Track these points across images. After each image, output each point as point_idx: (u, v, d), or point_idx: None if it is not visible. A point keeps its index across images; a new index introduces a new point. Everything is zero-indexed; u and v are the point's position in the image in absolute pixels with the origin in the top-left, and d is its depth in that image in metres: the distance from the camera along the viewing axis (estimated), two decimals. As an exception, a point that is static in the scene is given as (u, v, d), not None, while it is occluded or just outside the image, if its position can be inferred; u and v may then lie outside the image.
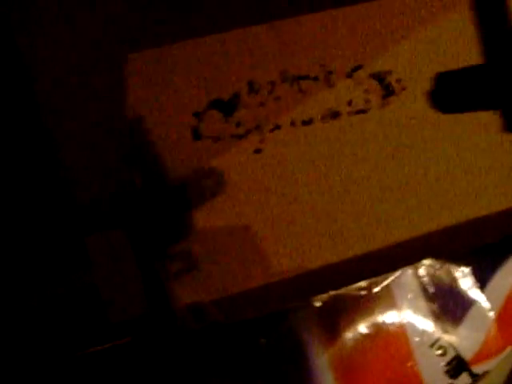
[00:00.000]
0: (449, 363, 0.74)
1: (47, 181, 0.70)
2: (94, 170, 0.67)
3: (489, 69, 0.71)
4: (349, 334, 0.72)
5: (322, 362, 0.71)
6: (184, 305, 0.67)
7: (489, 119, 0.73)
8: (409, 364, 0.73)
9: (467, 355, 0.75)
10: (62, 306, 0.73)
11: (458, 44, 0.72)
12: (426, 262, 0.74)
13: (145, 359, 0.67)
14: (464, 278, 0.75)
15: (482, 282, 0.76)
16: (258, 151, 0.69)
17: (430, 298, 0.74)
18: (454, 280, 0.75)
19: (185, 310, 0.66)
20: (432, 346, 0.74)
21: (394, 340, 0.73)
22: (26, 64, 0.64)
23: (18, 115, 0.64)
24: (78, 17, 0.65)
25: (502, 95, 0.69)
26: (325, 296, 0.71)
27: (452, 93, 0.71)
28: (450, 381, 0.74)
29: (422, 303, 0.74)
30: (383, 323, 0.73)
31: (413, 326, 0.74)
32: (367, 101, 0.72)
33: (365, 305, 0.73)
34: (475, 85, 0.70)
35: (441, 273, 0.75)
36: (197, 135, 0.69)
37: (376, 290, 0.73)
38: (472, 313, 0.75)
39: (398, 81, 0.72)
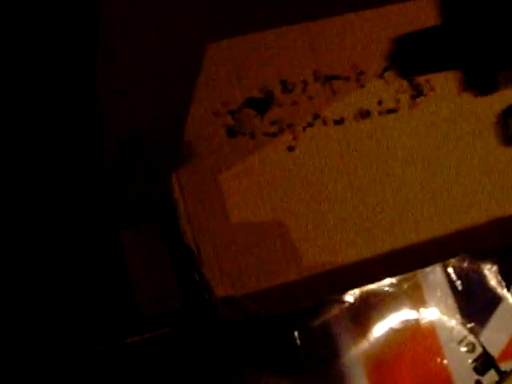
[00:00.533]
0: (476, 360, 0.75)
1: (83, 173, 0.72)
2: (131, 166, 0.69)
3: (448, 28, 0.72)
4: (379, 330, 0.73)
5: (354, 357, 0.72)
6: (219, 298, 0.68)
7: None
8: (438, 360, 0.74)
9: (495, 352, 0.76)
10: (92, 299, 0.74)
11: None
12: (455, 259, 0.75)
13: (182, 351, 0.68)
14: (492, 276, 0.76)
15: (510, 279, 0.77)
16: (291, 149, 0.71)
17: (458, 295, 0.75)
18: (482, 277, 0.76)
19: (220, 303, 0.67)
20: (460, 342, 0.75)
21: (423, 336, 0.74)
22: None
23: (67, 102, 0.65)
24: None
25: (462, 54, 0.70)
26: (356, 292, 0.72)
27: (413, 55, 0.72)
28: (478, 377, 0.75)
29: (451, 300, 0.75)
30: (412, 319, 0.74)
31: (441, 323, 0.75)
32: (397, 100, 0.73)
33: (394, 301, 0.74)
34: (435, 45, 0.71)
35: (469, 270, 0.76)
36: (231, 133, 0.70)
37: (405, 286, 0.74)
38: (499, 310, 0.76)
39: (427, 81, 0.74)
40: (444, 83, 0.74)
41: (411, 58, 0.74)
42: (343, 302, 0.73)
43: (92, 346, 0.71)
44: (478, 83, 0.74)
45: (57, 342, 0.74)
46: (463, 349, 0.75)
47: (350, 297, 0.73)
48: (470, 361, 0.75)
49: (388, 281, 0.74)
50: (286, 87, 0.71)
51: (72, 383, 0.69)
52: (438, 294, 0.75)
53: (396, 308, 0.74)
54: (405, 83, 0.73)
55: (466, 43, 0.71)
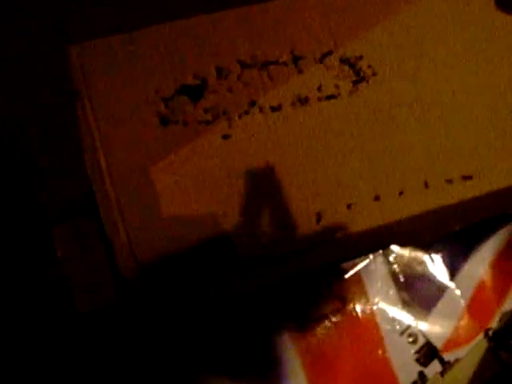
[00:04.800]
0: (419, 351, 0.74)
1: (13, 171, 0.70)
2: (62, 161, 0.67)
3: None
4: (318, 321, 0.72)
5: (290, 349, 0.71)
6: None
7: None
8: (379, 351, 0.73)
9: (438, 343, 0.75)
10: (30, 296, 0.73)
11: (429, 30, 0.72)
12: (396, 249, 0.73)
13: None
14: (435, 266, 0.75)
15: (453, 269, 0.76)
16: (226, 137, 0.69)
17: (400, 285, 0.74)
18: (425, 267, 0.75)
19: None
20: (402, 333, 0.74)
21: (364, 327, 0.73)
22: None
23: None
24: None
25: None
26: (294, 281, 0.71)
27: None
28: (421, 368, 0.74)
29: (392, 290, 0.74)
30: (353, 310, 0.73)
31: (383, 313, 0.73)
32: (337, 86, 0.71)
33: (335, 292, 0.72)
34: None
35: (411, 260, 0.75)
36: (164, 121, 0.68)
37: (346, 276, 0.73)
38: (443, 300, 0.75)
39: (369, 66, 0.71)
40: (386, 68, 0.72)
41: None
42: (281, 293, 0.71)
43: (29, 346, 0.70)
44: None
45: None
46: (405, 340, 0.74)
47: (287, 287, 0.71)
48: (412, 352, 0.74)
49: (326, 272, 0.72)
50: (221, 73, 0.69)
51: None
52: (379, 283, 0.73)
53: (336, 298, 0.73)
54: (346, 68, 0.71)
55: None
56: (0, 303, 0.71)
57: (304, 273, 0.70)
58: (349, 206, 0.71)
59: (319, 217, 0.71)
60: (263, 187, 0.69)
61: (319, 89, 0.71)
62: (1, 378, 0.69)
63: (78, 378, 0.70)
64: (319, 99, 0.71)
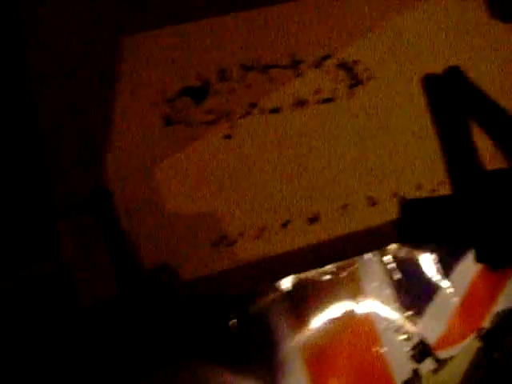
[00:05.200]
0: (413, 348, 0.76)
1: (23, 165, 0.71)
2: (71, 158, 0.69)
3: (457, 200, 0.72)
4: (317, 319, 0.74)
5: (291, 346, 0.72)
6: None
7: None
8: (375, 349, 0.75)
9: (431, 341, 0.76)
10: (32, 290, 0.74)
11: (425, 35, 0.75)
12: (392, 248, 0.75)
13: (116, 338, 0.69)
14: (429, 265, 0.77)
15: (447, 269, 0.78)
16: (227, 137, 0.71)
17: (395, 284, 0.76)
18: (419, 267, 0.77)
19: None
20: (397, 331, 0.76)
21: (360, 325, 0.75)
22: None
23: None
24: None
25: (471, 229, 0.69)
26: (292, 280, 0.73)
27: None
28: (415, 365, 0.75)
29: (388, 289, 0.76)
30: (350, 308, 0.75)
31: (378, 312, 0.75)
32: (335, 90, 0.73)
33: (332, 289, 0.74)
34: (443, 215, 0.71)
35: (406, 260, 0.76)
36: (168, 121, 0.70)
37: (343, 275, 0.74)
38: (436, 299, 0.77)
39: (366, 70, 0.74)
40: (383, 72, 0.74)
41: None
42: (280, 289, 0.73)
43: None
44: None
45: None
46: (400, 337, 0.76)
47: (287, 284, 0.73)
48: (407, 349, 0.76)
49: (325, 268, 0.74)
50: (223, 76, 0.71)
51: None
52: (376, 283, 0.75)
53: (333, 297, 0.75)
54: (343, 72, 0.74)
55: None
56: (3, 298, 0.73)
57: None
58: (344, 207, 0.73)
59: (316, 217, 0.73)
60: (263, 186, 0.71)
61: (317, 92, 0.73)
62: (5, 374, 0.70)
63: (80, 372, 0.71)
64: (317, 102, 0.73)
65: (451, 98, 0.73)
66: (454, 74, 0.71)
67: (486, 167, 0.73)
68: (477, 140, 0.73)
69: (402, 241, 0.73)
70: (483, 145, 0.73)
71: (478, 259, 0.72)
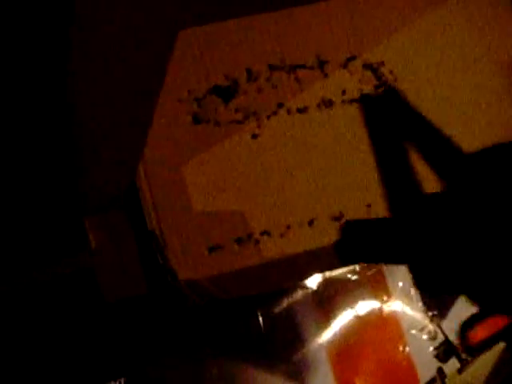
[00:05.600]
0: (438, 347, 0.76)
1: (51, 165, 0.72)
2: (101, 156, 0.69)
3: (396, 223, 0.72)
4: (342, 317, 0.74)
5: (317, 344, 0.73)
6: (183, 282, 0.69)
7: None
8: (400, 347, 0.75)
9: (456, 341, 0.77)
10: (60, 286, 0.75)
11: (450, 36, 0.75)
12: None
13: (147, 334, 0.69)
14: (453, 265, 0.77)
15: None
16: (255, 136, 0.72)
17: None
18: (444, 266, 0.77)
19: (184, 286, 0.68)
20: (421, 330, 0.76)
21: (386, 324, 0.75)
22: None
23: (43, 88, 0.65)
24: None
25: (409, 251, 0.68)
26: (318, 278, 0.73)
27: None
28: (440, 364, 0.76)
29: (413, 289, 0.76)
30: (375, 307, 0.75)
31: (403, 311, 0.76)
32: (360, 90, 0.74)
33: (358, 288, 0.75)
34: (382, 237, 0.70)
35: (431, 259, 0.77)
36: (196, 120, 0.71)
37: (368, 274, 0.75)
38: (461, 299, 0.77)
39: (391, 72, 0.75)
40: (407, 73, 0.75)
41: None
42: (306, 288, 0.74)
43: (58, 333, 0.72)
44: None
45: (30, 329, 0.74)
46: (425, 336, 0.76)
47: (313, 283, 0.74)
48: (431, 348, 0.76)
49: (351, 268, 0.75)
50: (251, 75, 0.72)
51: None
52: (401, 282, 0.76)
53: (359, 295, 0.75)
54: (368, 73, 0.75)
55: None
56: (31, 293, 0.73)
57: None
58: (368, 206, 0.74)
59: (341, 216, 0.73)
60: (289, 185, 0.72)
61: (343, 92, 0.74)
62: (32, 365, 0.71)
63: (104, 365, 0.72)
64: (343, 102, 0.74)
65: (389, 119, 0.73)
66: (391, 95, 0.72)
67: (424, 190, 0.72)
68: (415, 163, 0.73)
69: (342, 261, 0.72)
70: (422, 168, 0.73)
71: (418, 286, 0.72)
